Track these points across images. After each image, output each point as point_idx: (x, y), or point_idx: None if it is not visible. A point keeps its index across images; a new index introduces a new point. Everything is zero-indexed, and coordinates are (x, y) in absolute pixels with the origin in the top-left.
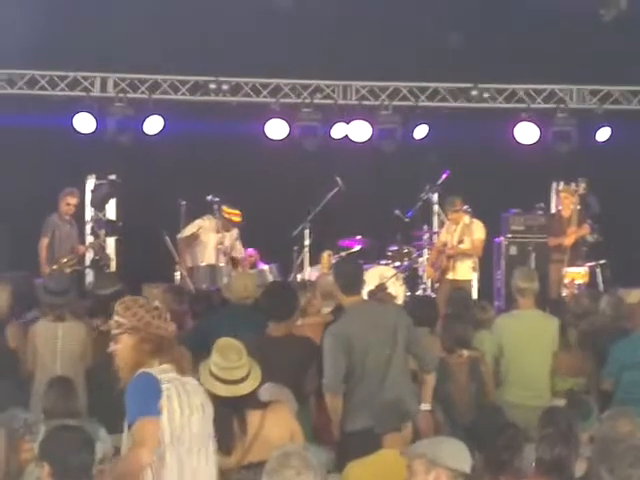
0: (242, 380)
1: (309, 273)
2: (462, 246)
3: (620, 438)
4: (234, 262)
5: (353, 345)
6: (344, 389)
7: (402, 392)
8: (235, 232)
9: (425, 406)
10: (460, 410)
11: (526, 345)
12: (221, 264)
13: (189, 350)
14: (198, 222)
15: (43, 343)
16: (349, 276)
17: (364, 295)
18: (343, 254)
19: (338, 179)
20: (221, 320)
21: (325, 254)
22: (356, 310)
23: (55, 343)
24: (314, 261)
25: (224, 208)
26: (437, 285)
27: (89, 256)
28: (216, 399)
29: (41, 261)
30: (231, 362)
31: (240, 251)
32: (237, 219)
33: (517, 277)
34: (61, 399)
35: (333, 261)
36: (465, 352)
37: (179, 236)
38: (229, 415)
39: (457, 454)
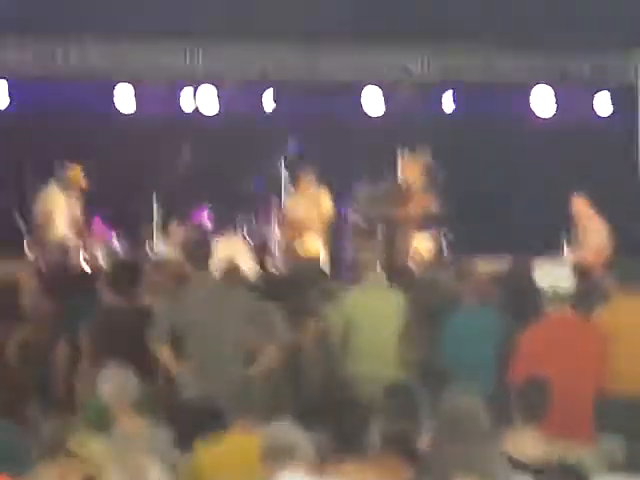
0: None
1: (160, 246)
2: (308, 219)
3: (459, 413)
4: (81, 234)
5: (185, 312)
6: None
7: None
8: (79, 195)
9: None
10: (309, 384)
11: (372, 317)
12: (70, 238)
13: None
14: (43, 197)
15: None
16: (196, 251)
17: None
18: (191, 225)
19: (185, 149)
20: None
21: (173, 225)
22: (198, 283)
23: None
24: (164, 234)
25: (67, 169)
26: (287, 258)
27: None
28: None
29: None
30: None
31: (81, 216)
32: (79, 176)
33: (361, 249)
34: None
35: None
36: (314, 323)
37: (35, 222)
38: None
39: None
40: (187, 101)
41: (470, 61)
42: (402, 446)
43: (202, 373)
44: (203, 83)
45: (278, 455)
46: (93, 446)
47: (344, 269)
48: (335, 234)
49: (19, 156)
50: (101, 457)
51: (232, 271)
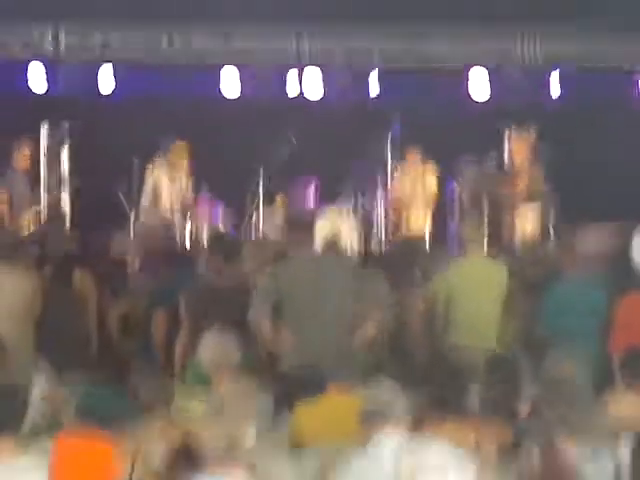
0: None
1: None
2: (414, 198)
3: (561, 379)
4: (187, 212)
5: (286, 284)
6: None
7: (345, 341)
8: (185, 172)
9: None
10: (412, 352)
11: (473, 290)
12: (175, 217)
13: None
14: (149, 173)
15: None
16: (299, 227)
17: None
18: (297, 198)
19: (291, 136)
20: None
21: (278, 198)
22: (298, 258)
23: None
24: (269, 211)
25: (172, 145)
26: (392, 235)
27: (44, 212)
28: None
29: (2, 216)
30: None
31: (190, 194)
32: (185, 152)
33: (465, 224)
34: None
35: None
36: (418, 295)
37: (143, 202)
38: None
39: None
40: (292, 84)
41: (576, 44)
42: (502, 410)
43: (304, 342)
44: (308, 66)
45: (376, 416)
46: (192, 407)
47: (449, 246)
48: (440, 212)
49: (124, 138)
50: (199, 418)
51: (334, 245)
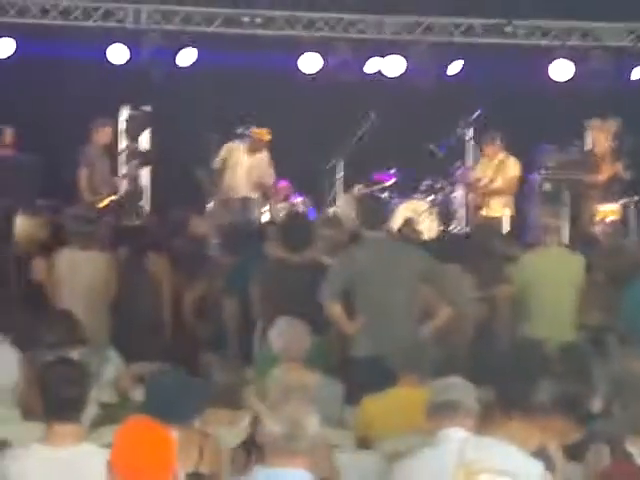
0: None
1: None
2: (495, 184)
3: (635, 376)
4: (265, 193)
5: (358, 269)
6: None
7: (414, 332)
8: (266, 156)
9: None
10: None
11: (550, 281)
12: (254, 196)
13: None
14: (227, 146)
15: (64, 273)
16: (370, 212)
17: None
18: (374, 188)
19: (371, 114)
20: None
21: (357, 188)
22: (372, 242)
23: (75, 273)
24: (346, 195)
25: (252, 129)
26: (471, 221)
27: (123, 186)
28: None
29: (82, 192)
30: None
31: (271, 176)
32: (266, 137)
33: (544, 214)
34: (61, 331)
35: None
36: (509, 287)
37: (213, 166)
38: None
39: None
40: (372, 65)
41: None
42: (572, 408)
43: (373, 331)
44: (388, 48)
45: (444, 410)
46: (262, 393)
47: (529, 234)
48: (521, 199)
49: (204, 116)
50: (266, 404)
51: (408, 231)
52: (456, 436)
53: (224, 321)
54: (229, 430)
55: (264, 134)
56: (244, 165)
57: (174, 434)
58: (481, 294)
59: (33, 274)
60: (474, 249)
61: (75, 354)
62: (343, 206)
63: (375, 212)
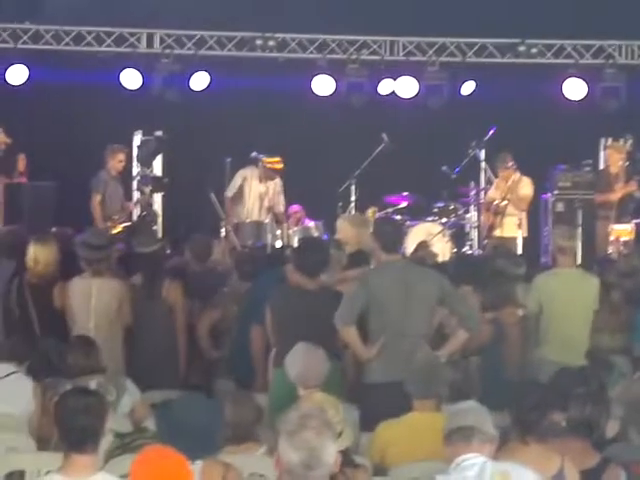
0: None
1: None
2: (505, 204)
3: None
4: (278, 218)
5: (375, 294)
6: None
7: (431, 357)
8: (278, 183)
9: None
10: (508, 368)
11: (565, 304)
12: (266, 220)
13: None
14: (241, 172)
15: (78, 300)
16: (388, 235)
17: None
18: (388, 210)
19: (384, 135)
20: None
21: (370, 211)
22: (388, 266)
23: (89, 300)
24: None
25: (264, 158)
26: (485, 242)
27: (136, 212)
28: None
29: (95, 218)
30: None
31: (281, 204)
32: (278, 166)
33: (557, 235)
34: (81, 357)
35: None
36: (518, 310)
37: (227, 194)
38: None
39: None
40: (386, 87)
41: None
42: (588, 432)
43: (389, 356)
44: (401, 70)
45: (460, 436)
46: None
47: (542, 254)
48: (535, 219)
49: (217, 140)
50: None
51: (423, 254)
52: (473, 462)
53: (253, 352)
54: (243, 459)
55: (276, 163)
56: (255, 192)
57: (198, 465)
58: (491, 316)
59: (54, 301)
60: (485, 271)
61: (92, 384)
62: (341, 228)
63: (392, 235)
